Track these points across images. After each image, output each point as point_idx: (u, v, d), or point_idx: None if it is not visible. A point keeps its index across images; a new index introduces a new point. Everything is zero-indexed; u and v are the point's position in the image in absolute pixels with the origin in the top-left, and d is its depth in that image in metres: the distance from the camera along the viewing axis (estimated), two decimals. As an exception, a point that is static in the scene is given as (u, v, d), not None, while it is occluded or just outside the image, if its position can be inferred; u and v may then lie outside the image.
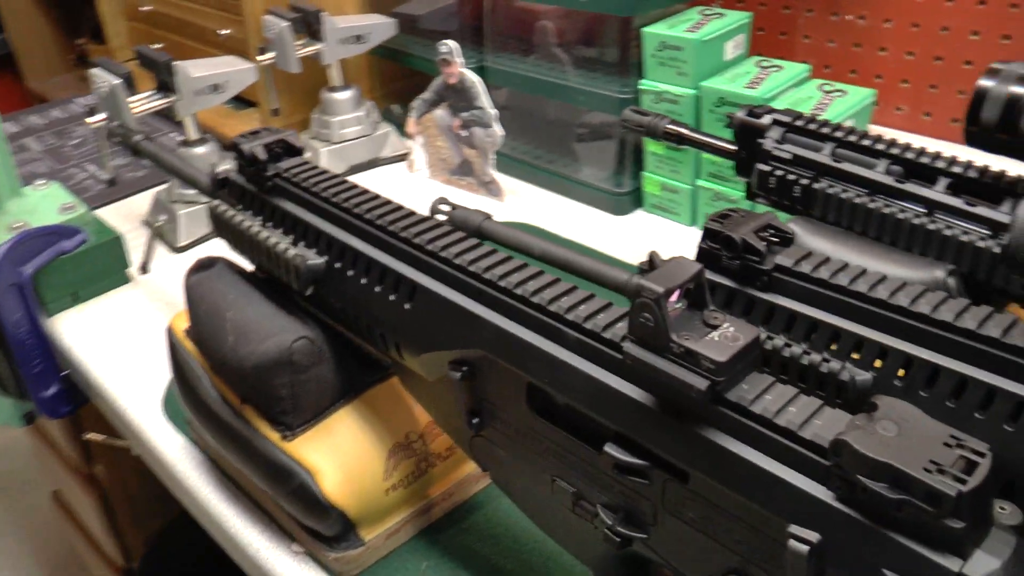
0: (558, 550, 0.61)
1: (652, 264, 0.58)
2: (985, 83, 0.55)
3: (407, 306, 0.52)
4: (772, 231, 0.51)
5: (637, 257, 0.66)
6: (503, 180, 1.13)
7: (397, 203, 0.56)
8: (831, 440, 0.34)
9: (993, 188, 0.58)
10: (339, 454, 0.59)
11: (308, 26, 1.12)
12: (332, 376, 0.60)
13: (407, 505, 0.63)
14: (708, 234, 0.52)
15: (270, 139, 0.61)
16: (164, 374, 0.83)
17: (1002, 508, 0.35)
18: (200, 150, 1.04)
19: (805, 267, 0.49)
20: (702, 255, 0.53)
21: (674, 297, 0.38)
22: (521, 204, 1.12)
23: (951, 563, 0.32)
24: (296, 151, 0.62)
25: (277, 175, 0.60)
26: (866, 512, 0.34)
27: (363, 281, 0.55)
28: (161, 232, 1.05)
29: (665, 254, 0.95)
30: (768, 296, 0.50)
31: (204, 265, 0.66)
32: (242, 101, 1.26)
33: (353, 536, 0.61)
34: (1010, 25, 1.00)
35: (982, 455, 0.32)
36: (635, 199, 1.09)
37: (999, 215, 0.57)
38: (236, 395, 0.62)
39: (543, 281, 0.47)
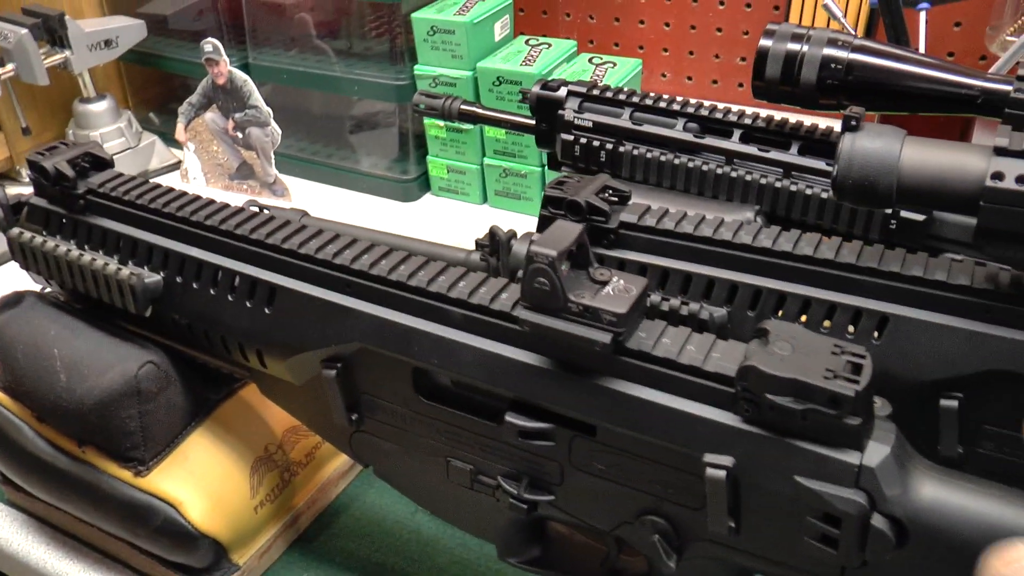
0: (435, 535, 0.62)
1: (494, 237, 0.60)
2: (765, 43, 0.61)
3: (267, 311, 0.50)
4: (611, 191, 0.54)
5: (436, 240, 0.67)
6: (284, 179, 1.10)
7: (233, 205, 0.54)
8: (738, 368, 0.37)
9: (780, 135, 0.65)
10: (200, 480, 0.56)
11: (50, 32, 1.03)
12: (181, 399, 0.56)
13: (275, 520, 0.61)
14: (549, 201, 0.54)
15: (73, 153, 0.56)
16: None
17: (874, 402, 0.40)
18: (-56, 181, 0.93)
19: (649, 220, 0.52)
20: (544, 223, 0.55)
21: None
22: (307, 201, 1.10)
23: (852, 457, 0.36)
24: (106, 163, 0.57)
25: (89, 191, 0.56)
26: (773, 428, 0.37)
27: (211, 292, 0.52)
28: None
29: (460, 234, 0.98)
30: (616, 252, 0.53)
31: (10, 303, 0.59)
32: (-24, 123, 1.13)
33: (226, 562, 0.58)
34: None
35: (863, 356, 0.36)
36: (422, 184, 1.10)
37: (790, 157, 0.64)
38: (72, 439, 0.57)
39: (415, 264, 0.47)
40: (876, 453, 0.36)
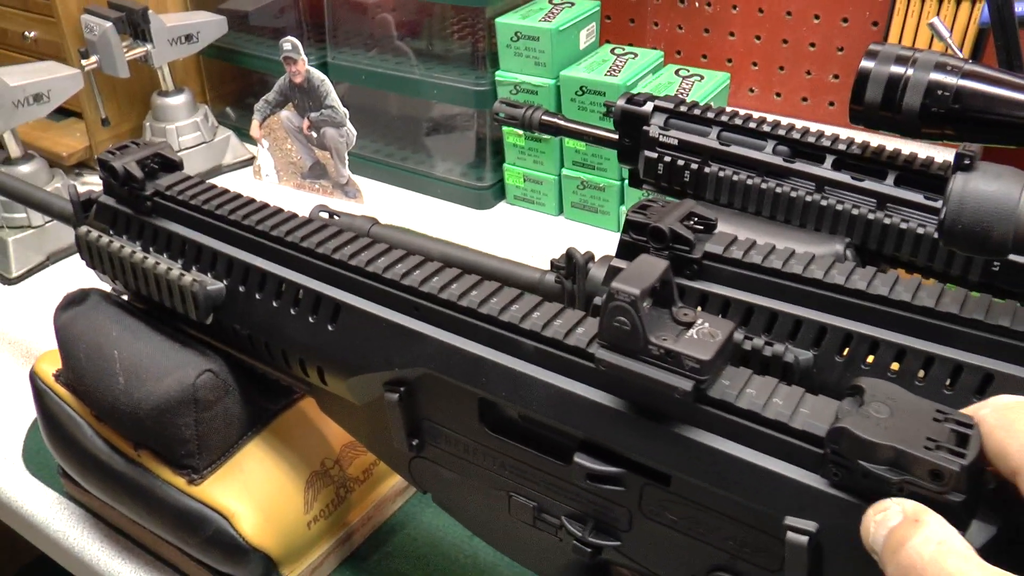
0: (492, 562, 0.60)
1: (571, 260, 0.57)
2: (867, 64, 0.57)
3: (330, 328, 0.48)
4: (696, 219, 0.51)
5: (506, 251, 0.65)
6: (357, 181, 1.09)
7: (301, 216, 0.52)
8: (829, 428, 0.34)
9: (876, 163, 0.61)
10: (254, 492, 0.55)
11: (133, 26, 1.04)
12: (239, 409, 0.55)
13: (328, 536, 0.59)
14: (632, 226, 0.51)
15: (144, 154, 0.55)
16: (20, 423, 0.74)
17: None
18: (25, 168, 0.94)
19: (736, 252, 0.49)
20: (624, 248, 0.52)
21: None
22: (379, 204, 1.09)
23: None
24: (175, 165, 0.56)
25: (156, 193, 0.55)
26: (864, 496, 0.34)
27: (274, 304, 0.50)
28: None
29: (534, 246, 0.96)
30: (698, 284, 0.50)
31: (75, 300, 0.59)
32: (59, 111, 1.14)
33: (276, 577, 0.56)
34: (848, 9, 1.06)
35: (970, 427, 0.33)
36: (497, 192, 1.08)
37: (886, 188, 0.60)
38: (128, 441, 0.56)
39: (487, 289, 0.44)
40: (981, 533, 0.32)
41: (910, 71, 0.55)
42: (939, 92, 0.54)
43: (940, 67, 0.54)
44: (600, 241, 0.97)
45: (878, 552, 0.31)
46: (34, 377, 0.61)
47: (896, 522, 0.31)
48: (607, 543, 0.43)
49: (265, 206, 0.53)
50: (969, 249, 0.41)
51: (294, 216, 0.52)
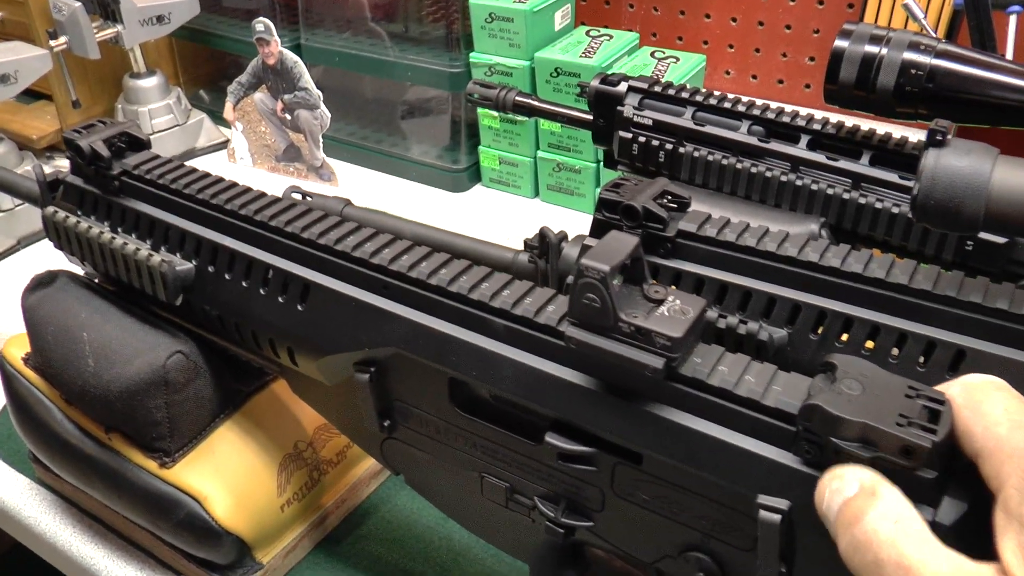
0: (467, 544, 0.60)
1: (544, 239, 0.57)
2: (841, 44, 0.57)
3: (300, 308, 0.48)
4: (669, 197, 0.51)
5: (482, 233, 0.64)
6: (331, 163, 1.08)
7: (271, 195, 0.51)
8: (801, 405, 0.34)
9: (851, 143, 0.61)
10: (227, 475, 0.54)
11: (103, 6, 1.02)
12: (210, 391, 0.55)
13: (302, 519, 0.59)
14: (604, 204, 0.51)
15: (110, 132, 0.54)
16: (-11, 409, 0.73)
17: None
18: (-7, 151, 0.92)
19: (709, 230, 0.49)
20: (597, 226, 0.52)
21: None
22: (354, 187, 1.08)
23: (924, 513, 0.32)
24: (142, 144, 0.55)
25: (124, 173, 0.54)
26: None
27: (243, 284, 0.50)
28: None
29: (510, 228, 0.95)
30: (672, 263, 0.50)
31: (43, 281, 0.58)
32: (29, 94, 1.13)
33: (249, 560, 0.56)
34: (824, -9, 1.06)
35: (942, 403, 0.33)
36: (473, 175, 1.08)
37: (861, 168, 0.60)
38: (99, 424, 0.55)
39: (457, 268, 0.44)
40: (952, 510, 0.32)
41: (884, 50, 0.55)
42: (913, 71, 0.54)
43: (914, 46, 0.54)
44: (576, 223, 0.97)
45: (831, 521, 0.31)
46: (2, 361, 0.60)
47: (852, 493, 0.31)
48: (580, 523, 0.43)
49: (234, 185, 0.52)
50: (941, 225, 0.41)
51: (263, 195, 0.51)
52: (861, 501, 0.30)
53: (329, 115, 1.03)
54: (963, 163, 0.40)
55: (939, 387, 0.34)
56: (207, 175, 0.53)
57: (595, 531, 0.43)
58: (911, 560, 0.28)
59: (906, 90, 0.54)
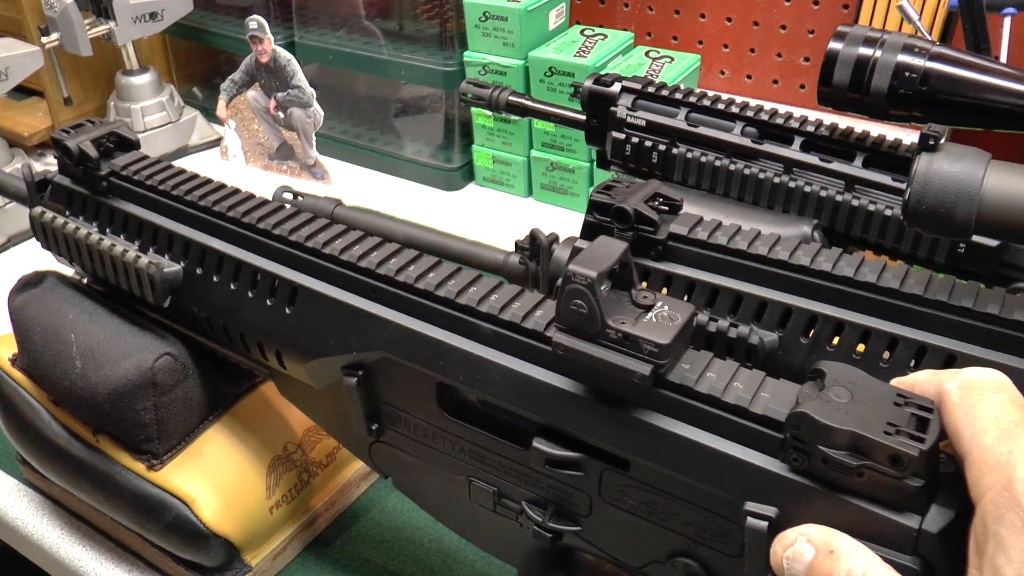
0: (456, 546, 0.59)
1: (535, 241, 0.57)
2: (835, 46, 0.56)
3: (287, 311, 0.48)
4: (661, 199, 0.51)
5: (475, 233, 0.64)
6: (324, 162, 1.08)
7: (259, 197, 0.51)
8: (789, 413, 0.33)
9: (844, 145, 0.61)
10: (215, 477, 0.54)
11: (95, 3, 1.01)
12: (199, 393, 0.54)
13: (291, 521, 0.58)
14: (595, 207, 0.51)
15: (99, 132, 0.53)
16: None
17: (941, 456, 0.36)
18: (-17, 149, 0.92)
19: (701, 233, 0.49)
20: (588, 228, 0.52)
21: None
22: (347, 186, 1.07)
23: (911, 521, 0.32)
24: (131, 144, 0.55)
25: (112, 173, 0.53)
26: (823, 481, 0.34)
27: (231, 287, 0.49)
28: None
29: (502, 227, 0.95)
30: (663, 265, 0.50)
31: (31, 282, 0.57)
32: (21, 90, 1.12)
33: (238, 563, 0.56)
34: (819, -9, 1.05)
35: (930, 411, 0.33)
36: (466, 173, 1.07)
37: (854, 170, 0.59)
38: (87, 426, 0.55)
39: (445, 271, 0.44)
40: (939, 518, 0.32)
41: (878, 53, 0.54)
42: (907, 74, 0.53)
43: (908, 49, 0.54)
44: (569, 223, 0.96)
45: None
46: (-11, 362, 0.60)
47: (810, 556, 0.31)
48: (567, 528, 0.43)
49: (222, 186, 0.52)
50: (933, 230, 0.41)
51: (252, 197, 0.51)
52: (823, 562, 0.31)
53: (322, 113, 1.03)
54: (955, 168, 0.40)
55: (941, 374, 0.33)
56: (196, 176, 0.53)
57: (583, 536, 0.43)
58: None
59: (900, 93, 0.54)
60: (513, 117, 0.98)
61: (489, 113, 1.00)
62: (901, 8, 0.77)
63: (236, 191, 0.51)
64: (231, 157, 1.12)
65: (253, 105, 1.07)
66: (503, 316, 0.40)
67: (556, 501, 0.43)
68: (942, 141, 0.42)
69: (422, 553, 0.60)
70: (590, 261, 0.36)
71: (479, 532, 0.48)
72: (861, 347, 0.46)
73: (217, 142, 1.16)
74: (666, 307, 0.37)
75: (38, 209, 0.55)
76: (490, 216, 1.01)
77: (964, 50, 0.54)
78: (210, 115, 1.16)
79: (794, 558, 0.31)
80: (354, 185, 1.07)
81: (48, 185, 0.56)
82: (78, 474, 0.56)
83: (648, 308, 0.37)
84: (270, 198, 0.55)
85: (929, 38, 0.57)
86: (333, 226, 0.48)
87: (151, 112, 1.09)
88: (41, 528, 0.63)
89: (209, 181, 0.52)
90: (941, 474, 0.33)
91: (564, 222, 0.97)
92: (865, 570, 0.29)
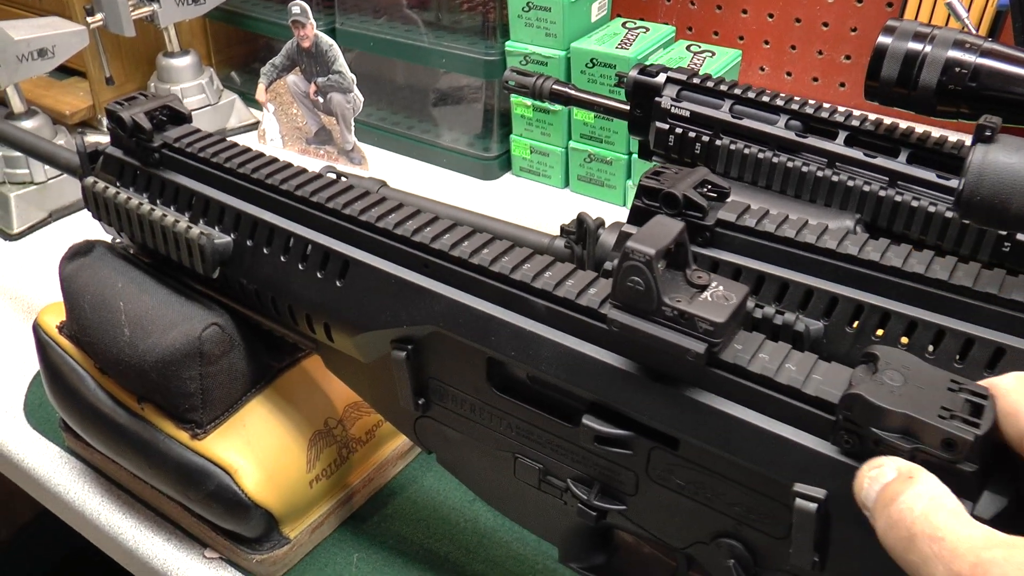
0: (492, 526, 0.60)
1: (581, 224, 0.57)
2: (884, 40, 0.56)
3: (338, 284, 0.48)
4: (710, 186, 0.51)
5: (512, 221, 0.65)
6: (362, 147, 1.08)
7: (312, 170, 0.52)
8: (843, 395, 0.34)
9: (889, 140, 0.61)
10: (257, 448, 0.55)
11: (141, -15, 1.02)
12: (243, 365, 0.55)
13: (330, 496, 0.59)
14: (644, 191, 0.51)
15: (152, 105, 0.54)
16: (22, 377, 0.74)
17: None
18: (28, 124, 0.93)
19: (748, 220, 0.49)
20: (636, 213, 0.52)
21: None
22: (384, 172, 1.08)
23: (963, 506, 0.32)
24: (183, 118, 0.55)
25: (164, 145, 0.54)
26: None
27: (282, 259, 0.50)
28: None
29: (539, 217, 0.95)
30: (710, 252, 0.50)
31: (81, 251, 0.58)
32: (63, 70, 1.14)
33: (277, 535, 0.56)
34: (863, -12, 1.05)
35: (985, 397, 0.33)
36: (503, 163, 1.08)
37: (898, 165, 0.59)
38: (131, 394, 0.56)
39: (499, 248, 0.44)
40: (992, 504, 0.32)
41: (928, 48, 0.54)
42: (957, 70, 0.53)
43: (959, 45, 0.54)
44: (606, 214, 0.96)
45: (869, 507, 0.31)
46: (37, 329, 0.61)
47: (890, 478, 0.31)
48: (613, 507, 0.43)
49: (275, 160, 0.53)
50: (986, 222, 0.41)
51: (304, 171, 0.52)
52: (898, 484, 0.31)
53: (362, 99, 1.03)
54: (1012, 160, 0.40)
55: (993, 379, 0.34)
56: (248, 150, 0.53)
57: (627, 515, 0.43)
58: (943, 531, 0.28)
59: (948, 88, 0.54)
60: (553, 107, 0.99)
61: (528, 103, 1.00)
62: (950, 5, 0.76)
63: (288, 165, 0.52)
64: (268, 141, 1.13)
65: (293, 89, 1.08)
66: (558, 293, 0.41)
67: (602, 480, 0.43)
68: (998, 132, 0.42)
69: (458, 532, 0.60)
70: (648, 239, 0.36)
71: (521, 509, 0.48)
72: (905, 339, 0.46)
73: (254, 126, 1.17)
74: (720, 287, 0.37)
75: (90, 179, 0.56)
76: (526, 206, 1.01)
77: (1015, 46, 0.54)
78: (247, 99, 1.17)
79: (875, 478, 0.32)
80: (391, 172, 1.08)
81: (100, 156, 0.57)
82: (121, 441, 0.57)
83: (703, 288, 0.37)
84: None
85: (978, 35, 0.57)
86: (385, 201, 0.48)
87: (191, 94, 1.10)
88: (82, 495, 0.64)
89: (261, 155, 0.53)
90: (993, 462, 0.34)
91: (600, 214, 0.96)
92: (932, 495, 0.30)
